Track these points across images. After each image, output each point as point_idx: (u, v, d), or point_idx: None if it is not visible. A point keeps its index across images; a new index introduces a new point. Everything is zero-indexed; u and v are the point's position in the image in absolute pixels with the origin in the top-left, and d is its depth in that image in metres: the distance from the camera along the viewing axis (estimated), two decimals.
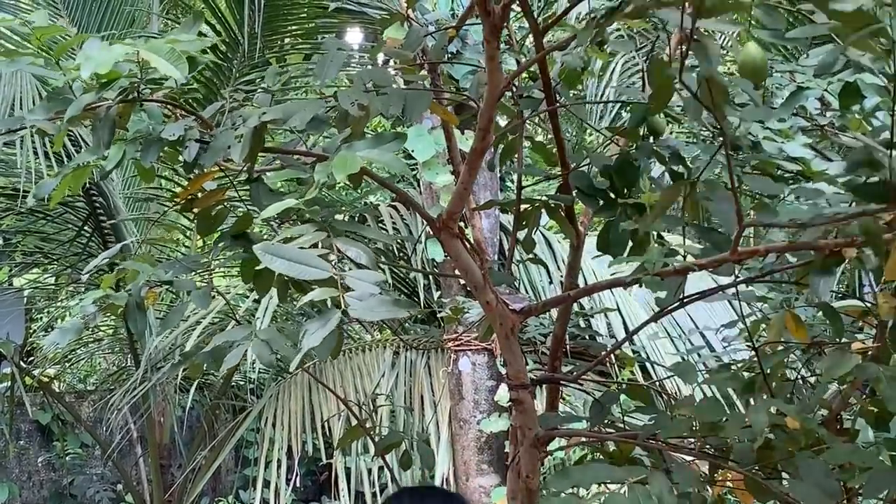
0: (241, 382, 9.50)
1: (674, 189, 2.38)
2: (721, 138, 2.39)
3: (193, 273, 3.03)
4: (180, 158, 2.82)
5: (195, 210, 2.91)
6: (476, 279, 2.64)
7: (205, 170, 2.77)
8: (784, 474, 2.60)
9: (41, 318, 11.41)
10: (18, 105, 6.60)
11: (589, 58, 2.85)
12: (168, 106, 2.63)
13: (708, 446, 2.73)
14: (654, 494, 2.24)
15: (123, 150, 2.56)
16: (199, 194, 2.86)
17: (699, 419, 2.56)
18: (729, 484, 3.02)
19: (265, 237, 2.91)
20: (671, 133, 2.76)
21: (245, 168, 2.54)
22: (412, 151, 6.35)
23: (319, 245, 2.30)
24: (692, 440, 2.78)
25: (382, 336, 8.32)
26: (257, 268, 2.32)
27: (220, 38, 7.80)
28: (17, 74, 6.54)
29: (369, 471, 7.53)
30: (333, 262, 2.20)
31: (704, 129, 2.84)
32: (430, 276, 7.38)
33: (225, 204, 2.91)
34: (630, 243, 2.71)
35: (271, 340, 2.75)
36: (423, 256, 6.71)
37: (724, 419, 2.55)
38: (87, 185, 7.52)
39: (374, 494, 7.66)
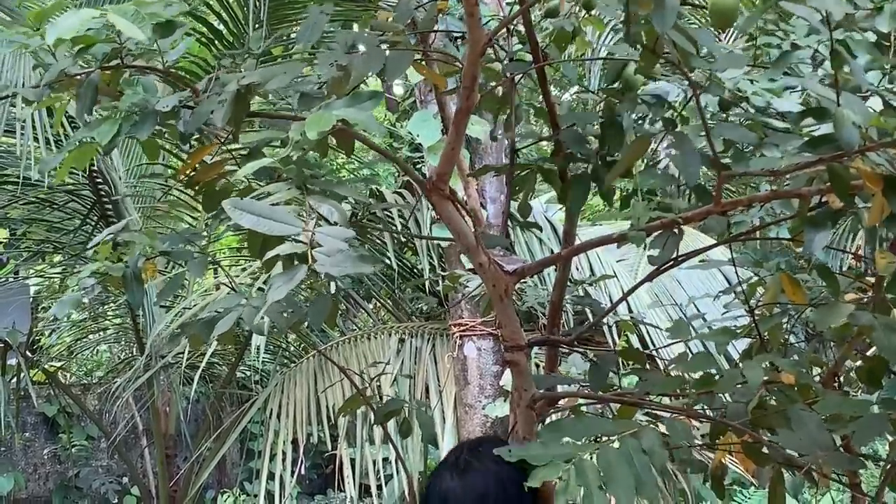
0: (248, 373, 9.51)
1: (641, 142, 2.37)
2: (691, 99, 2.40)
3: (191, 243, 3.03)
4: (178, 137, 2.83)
5: (197, 187, 2.92)
6: (468, 241, 2.64)
7: (197, 140, 2.78)
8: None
9: (46, 316, 11.44)
10: (20, 119, 6.60)
11: (579, 24, 2.85)
12: (160, 76, 2.63)
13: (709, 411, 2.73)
14: (646, 447, 2.24)
15: (119, 124, 2.56)
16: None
17: (692, 371, 2.56)
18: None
19: None
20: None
21: (231, 133, 2.54)
22: (416, 137, 6.35)
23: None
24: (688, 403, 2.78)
25: (388, 325, 8.31)
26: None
27: (226, 29, 7.82)
28: (17, 63, 6.54)
29: (374, 462, 7.53)
30: (305, 219, 2.19)
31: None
32: (438, 270, 7.38)
33: (228, 178, 2.91)
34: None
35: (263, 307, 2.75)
36: (429, 243, 6.72)
37: (717, 375, 2.55)
38: (92, 172, 7.54)
39: (379, 487, 7.67)
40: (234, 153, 2.83)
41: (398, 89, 10.83)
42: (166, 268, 7.81)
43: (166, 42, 2.39)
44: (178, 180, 3.02)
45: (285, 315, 2.84)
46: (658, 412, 2.69)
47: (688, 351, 2.92)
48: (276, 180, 2.49)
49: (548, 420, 2.89)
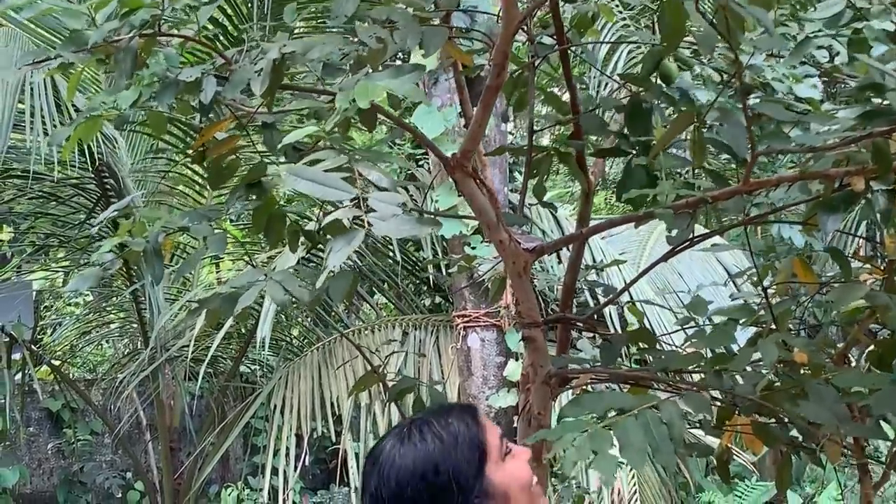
0: (252, 367, 9.55)
1: (682, 119, 2.42)
2: (733, 77, 2.44)
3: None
4: (192, 112, 2.86)
5: (206, 163, 2.95)
6: (489, 218, 2.68)
7: (220, 112, 2.82)
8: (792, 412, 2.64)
9: (49, 315, 11.46)
10: (28, 114, 6.63)
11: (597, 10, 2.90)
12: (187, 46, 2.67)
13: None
14: (665, 419, 2.27)
15: (140, 91, 2.60)
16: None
17: (709, 347, 2.60)
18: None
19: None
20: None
21: (264, 103, 2.57)
22: (421, 129, 6.38)
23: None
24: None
25: (392, 316, 8.35)
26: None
27: (230, 24, 7.85)
28: (29, 76, 6.57)
29: None
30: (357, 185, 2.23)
31: (716, 71, 2.88)
32: (441, 266, 7.43)
33: (236, 155, 2.95)
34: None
35: (285, 281, 2.78)
36: (433, 237, 6.76)
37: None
38: (98, 165, 7.57)
39: None
40: (247, 129, 2.86)
41: None
42: (171, 261, 7.84)
43: (204, 10, 2.43)
44: (188, 155, 3.04)
45: (308, 289, 2.86)
46: (670, 391, 2.73)
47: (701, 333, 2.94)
48: (305, 153, 2.52)
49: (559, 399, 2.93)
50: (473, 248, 6.20)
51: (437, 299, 9.16)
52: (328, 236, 2.30)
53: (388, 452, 2.09)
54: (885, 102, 2.33)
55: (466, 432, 2.08)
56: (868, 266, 3.08)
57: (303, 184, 2.21)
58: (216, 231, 3.00)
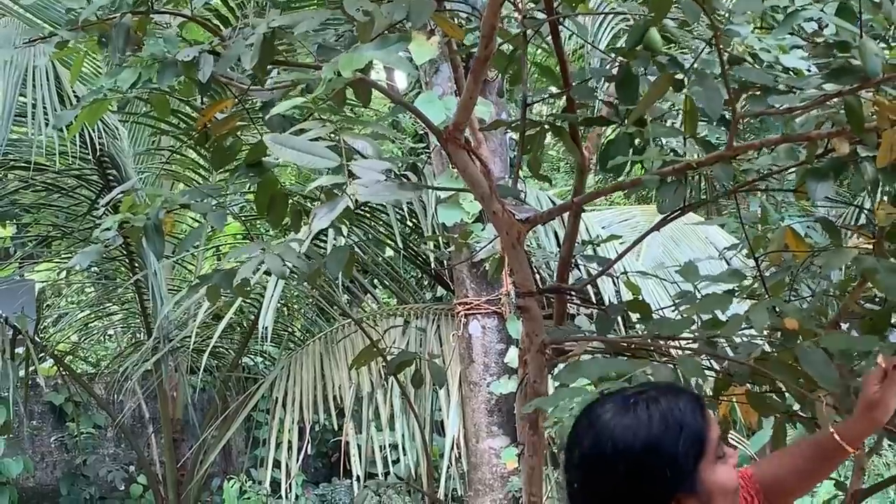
0: (256, 359, 9.58)
1: (662, 81, 2.45)
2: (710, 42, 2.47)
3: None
4: (194, 94, 2.89)
5: (209, 145, 2.99)
6: (483, 189, 2.72)
7: (222, 93, 2.86)
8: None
9: (52, 312, 11.48)
10: (30, 106, 6.67)
11: None
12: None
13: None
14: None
15: (139, 72, 2.64)
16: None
17: (702, 312, 2.64)
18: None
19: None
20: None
21: (258, 79, 2.61)
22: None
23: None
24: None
25: (391, 306, 8.38)
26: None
27: (231, 16, 7.87)
28: (31, 70, 6.61)
29: (381, 447, 7.59)
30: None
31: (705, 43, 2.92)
32: (440, 245, 7.45)
33: (238, 136, 2.99)
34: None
35: (284, 254, 2.82)
36: (433, 222, 6.79)
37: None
38: (100, 155, 7.60)
39: (385, 475, 7.73)
40: (247, 109, 2.90)
41: (401, 83, 10.91)
42: (172, 253, 7.86)
43: None
44: (189, 139, 3.08)
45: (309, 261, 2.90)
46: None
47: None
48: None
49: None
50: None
51: (439, 292, 9.21)
52: None
53: (608, 418, 2.01)
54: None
55: (693, 423, 1.99)
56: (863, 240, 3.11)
57: (287, 152, 2.25)
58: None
